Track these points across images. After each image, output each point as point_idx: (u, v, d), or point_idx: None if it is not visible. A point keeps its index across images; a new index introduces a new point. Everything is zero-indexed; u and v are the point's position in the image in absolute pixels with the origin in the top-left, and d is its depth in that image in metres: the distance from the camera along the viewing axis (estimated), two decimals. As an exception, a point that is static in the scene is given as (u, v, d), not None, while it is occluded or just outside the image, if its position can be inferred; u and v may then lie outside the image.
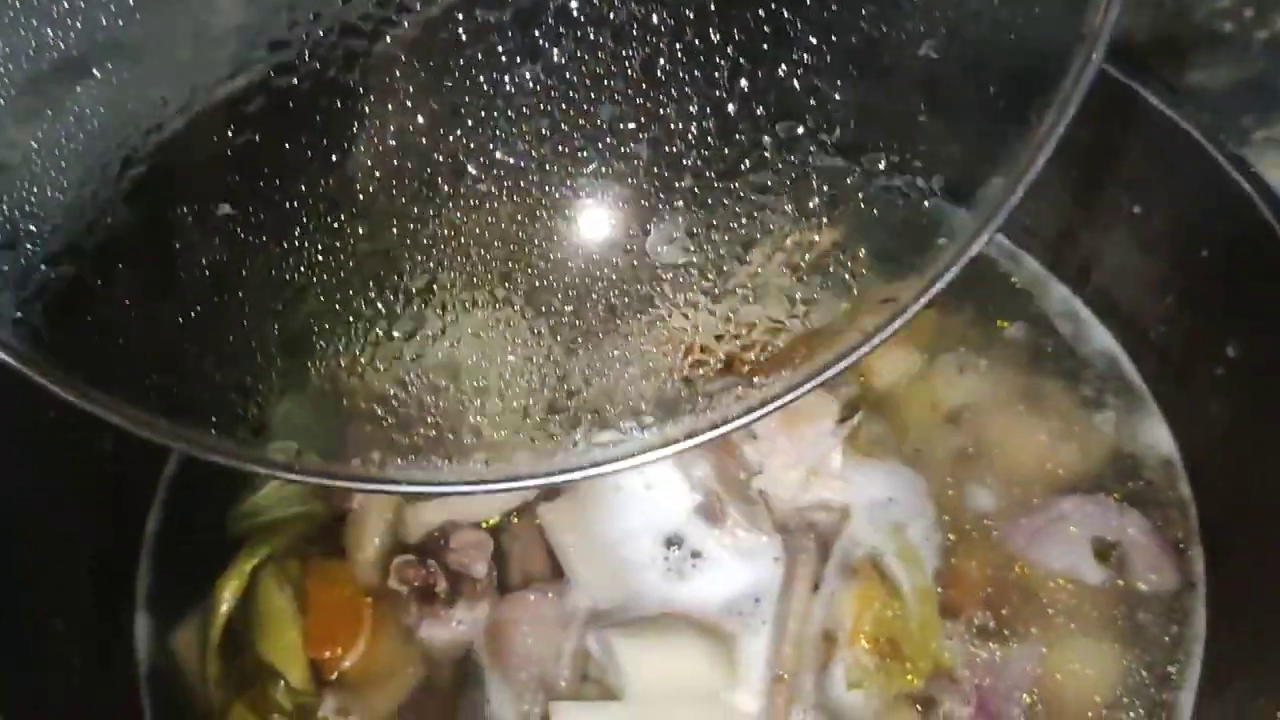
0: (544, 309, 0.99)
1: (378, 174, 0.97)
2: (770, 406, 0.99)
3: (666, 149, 0.97)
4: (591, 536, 1.46)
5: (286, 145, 0.96)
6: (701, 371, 1.01)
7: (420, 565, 1.40)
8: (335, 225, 0.97)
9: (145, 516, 1.53)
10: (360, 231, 0.97)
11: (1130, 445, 1.54)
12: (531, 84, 0.95)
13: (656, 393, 1.00)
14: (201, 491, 1.55)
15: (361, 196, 0.97)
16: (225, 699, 1.39)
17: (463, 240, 0.98)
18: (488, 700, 1.38)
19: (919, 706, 1.36)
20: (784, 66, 0.97)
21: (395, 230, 0.97)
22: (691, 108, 0.97)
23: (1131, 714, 1.36)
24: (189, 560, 1.50)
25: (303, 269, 0.97)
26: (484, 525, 1.47)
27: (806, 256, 1.02)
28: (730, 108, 0.97)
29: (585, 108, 0.96)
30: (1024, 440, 1.54)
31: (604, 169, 0.98)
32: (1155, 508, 1.48)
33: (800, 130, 0.99)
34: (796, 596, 1.40)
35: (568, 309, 0.99)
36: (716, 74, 0.96)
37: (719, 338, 1.01)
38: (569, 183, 0.98)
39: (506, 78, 0.95)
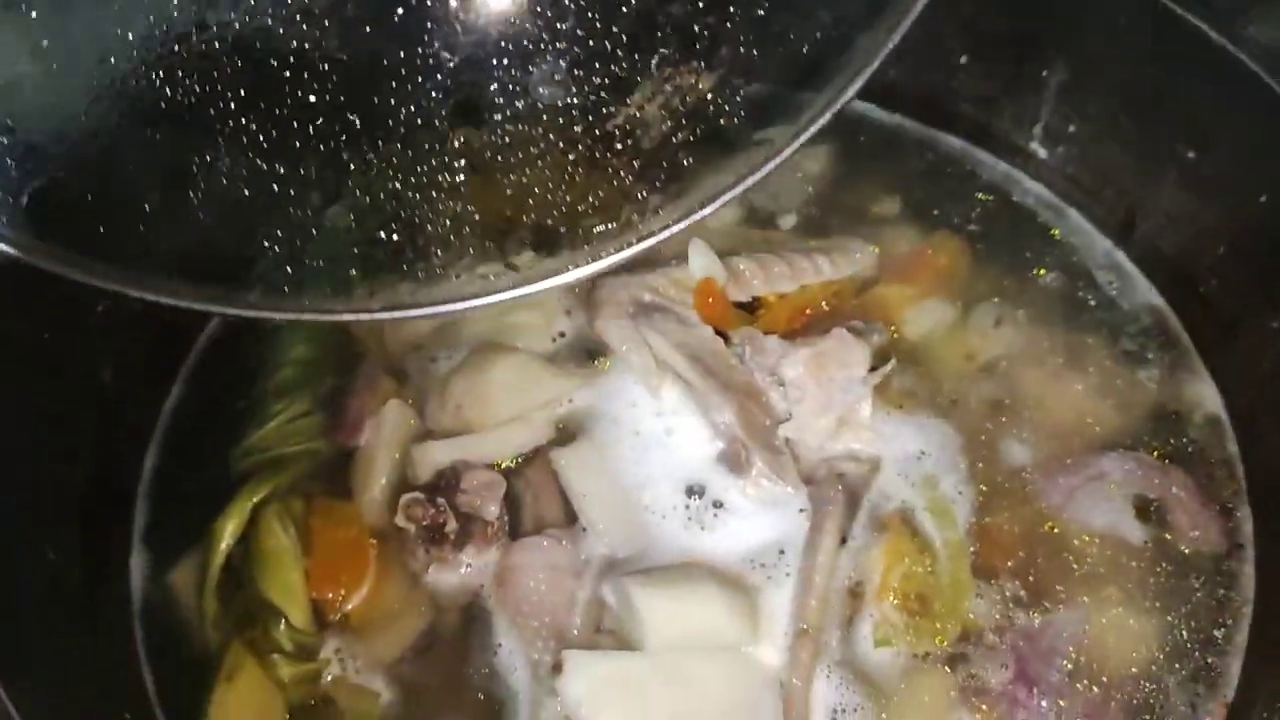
0: (427, 146, 0.98)
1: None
2: (645, 244, 0.99)
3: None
4: (608, 482, 1.40)
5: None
6: (580, 208, 1.00)
7: (429, 504, 1.33)
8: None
9: (144, 450, 1.48)
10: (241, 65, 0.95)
11: (1174, 403, 1.47)
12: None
13: (536, 229, 0.99)
14: (203, 426, 1.50)
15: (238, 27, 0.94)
16: (222, 639, 1.34)
17: (347, 81, 0.96)
18: (497, 647, 1.32)
19: (947, 668, 1.30)
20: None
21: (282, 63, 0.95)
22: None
23: (1175, 679, 1.30)
24: (188, 496, 1.44)
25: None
26: (496, 468, 1.41)
27: (686, 99, 1.02)
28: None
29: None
30: (1062, 395, 1.47)
31: (487, 6, 0.97)
32: (1201, 466, 1.42)
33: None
34: (823, 549, 1.34)
35: (453, 146, 0.98)
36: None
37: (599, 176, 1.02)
38: (453, 22, 0.96)
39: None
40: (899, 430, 1.44)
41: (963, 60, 1.62)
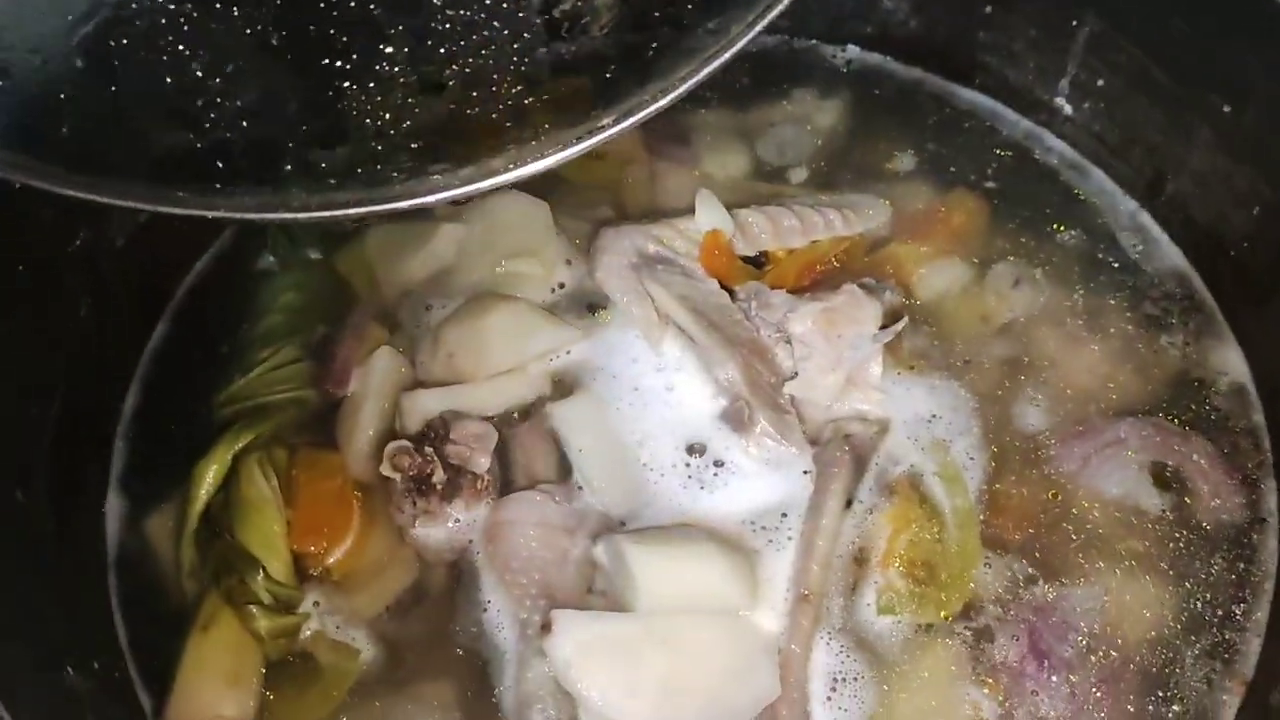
0: (362, 35, 0.93)
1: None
2: (593, 140, 0.94)
3: None
4: (606, 438, 1.35)
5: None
6: (528, 101, 0.95)
7: (416, 453, 1.28)
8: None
9: (124, 391, 1.43)
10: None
11: (1198, 370, 1.41)
12: None
13: (480, 124, 0.94)
14: (186, 369, 1.45)
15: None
16: (199, 589, 1.29)
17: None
18: (486, 604, 1.27)
19: (949, 641, 1.24)
20: None
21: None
22: None
23: (1190, 654, 1.24)
24: (168, 442, 1.39)
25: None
26: (489, 420, 1.35)
27: None
28: None
29: None
30: (1080, 359, 1.42)
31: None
32: (1224, 435, 1.36)
33: None
34: (827, 513, 1.29)
35: (390, 34, 0.93)
36: None
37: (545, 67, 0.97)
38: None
39: None
40: (910, 391, 1.39)
41: (988, 10, 1.55)
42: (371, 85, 0.92)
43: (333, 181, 0.90)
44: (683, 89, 0.93)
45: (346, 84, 0.91)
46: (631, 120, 0.93)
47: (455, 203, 0.96)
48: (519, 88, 0.94)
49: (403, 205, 0.90)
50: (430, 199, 0.91)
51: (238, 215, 0.90)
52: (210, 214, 0.89)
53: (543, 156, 0.92)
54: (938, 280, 1.48)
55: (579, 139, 0.92)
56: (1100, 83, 1.50)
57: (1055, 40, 1.51)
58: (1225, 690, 1.23)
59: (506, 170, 0.92)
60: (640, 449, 1.34)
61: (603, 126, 0.92)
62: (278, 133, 0.91)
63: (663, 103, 0.93)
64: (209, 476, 1.31)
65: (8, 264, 1.22)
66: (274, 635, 1.24)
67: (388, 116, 0.92)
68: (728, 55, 0.93)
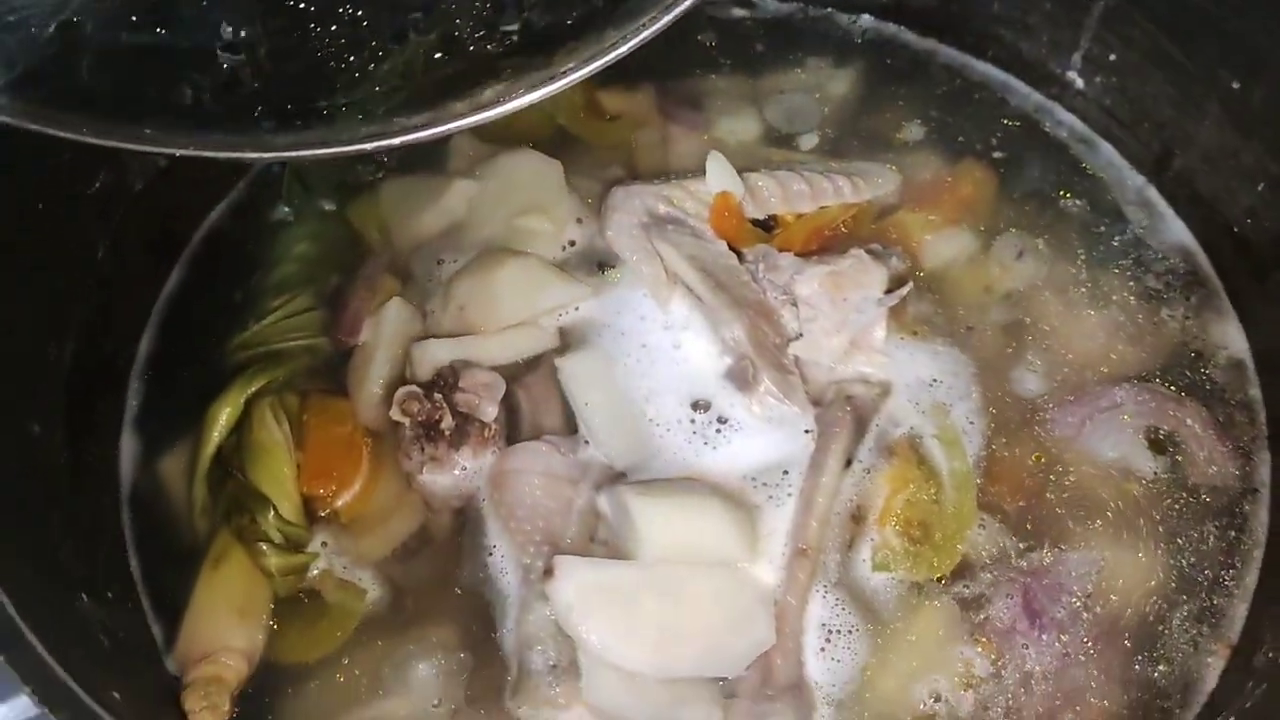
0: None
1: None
2: (562, 82, 0.98)
3: None
4: (612, 393, 1.37)
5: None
6: (491, 47, 0.99)
7: (426, 399, 1.30)
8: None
9: (139, 334, 1.45)
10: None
11: (1196, 343, 1.43)
12: None
13: (447, 71, 0.98)
14: (201, 315, 1.47)
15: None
16: (210, 527, 1.32)
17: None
18: (492, 549, 1.29)
19: (938, 603, 1.26)
20: None
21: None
22: None
23: (1178, 617, 1.27)
24: (182, 385, 1.42)
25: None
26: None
27: None
28: None
29: None
30: (1080, 329, 1.43)
31: None
32: (1219, 406, 1.38)
33: None
34: (827, 471, 1.31)
35: None
36: None
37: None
38: None
39: None
40: (912, 356, 1.40)
41: (1003, -18, 1.56)
42: (336, 28, 0.93)
43: (299, 123, 0.91)
44: (645, 35, 0.97)
45: (314, 26, 0.93)
46: (594, 65, 0.96)
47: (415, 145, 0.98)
48: (481, 33, 0.95)
49: (368, 146, 0.93)
50: (395, 140, 0.93)
51: (206, 153, 0.91)
52: (178, 151, 0.90)
53: (502, 102, 0.94)
54: (944, 248, 1.50)
55: (548, 81, 0.94)
56: (1113, 57, 1.51)
57: (1070, 13, 1.51)
58: (1210, 653, 1.25)
59: (468, 115, 0.94)
60: (646, 404, 1.36)
61: (565, 72, 0.95)
62: (246, 73, 0.93)
63: (622, 50, 0.96)
64: (222, 419, 1.34)
65: (28, 204, 1.24)
66: (283, 572, 1.27)
67: (353, 59, 0.93)
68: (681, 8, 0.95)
